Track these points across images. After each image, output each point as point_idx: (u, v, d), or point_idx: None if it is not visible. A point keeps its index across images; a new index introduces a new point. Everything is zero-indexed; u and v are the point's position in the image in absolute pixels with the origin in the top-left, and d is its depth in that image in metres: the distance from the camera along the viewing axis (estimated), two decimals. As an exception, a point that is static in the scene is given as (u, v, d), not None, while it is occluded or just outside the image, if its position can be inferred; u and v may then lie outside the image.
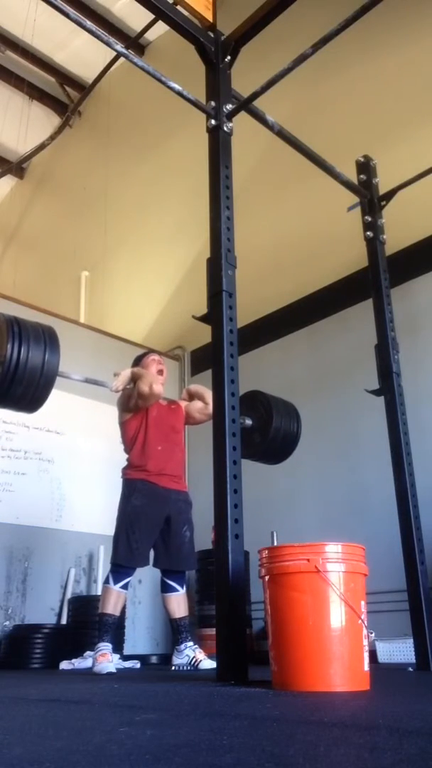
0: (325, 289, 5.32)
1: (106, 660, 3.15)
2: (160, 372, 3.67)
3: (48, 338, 2.68)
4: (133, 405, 3.46)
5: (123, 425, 3.59)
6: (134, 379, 3.42)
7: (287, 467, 3.85)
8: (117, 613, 3.31)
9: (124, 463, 3.55)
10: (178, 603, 3.45)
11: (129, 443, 3.55)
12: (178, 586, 3.45)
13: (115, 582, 3.27)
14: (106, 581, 3.32)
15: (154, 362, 3.70)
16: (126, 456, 3.57)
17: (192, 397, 3.75)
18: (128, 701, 1.76)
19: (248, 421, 3.42)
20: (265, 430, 3.42)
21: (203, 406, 3.65)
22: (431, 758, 0.83)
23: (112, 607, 3.27)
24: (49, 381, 2.66)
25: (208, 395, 3.52)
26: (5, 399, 2.66)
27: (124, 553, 3.28)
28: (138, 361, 3.76)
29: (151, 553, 3.46)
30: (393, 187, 3.62)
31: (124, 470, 3.53)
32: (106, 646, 3.22)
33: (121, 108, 8.06)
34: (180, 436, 3.67)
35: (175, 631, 3.51)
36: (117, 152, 8.02)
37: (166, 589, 3.47)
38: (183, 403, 3.76)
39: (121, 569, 3.30)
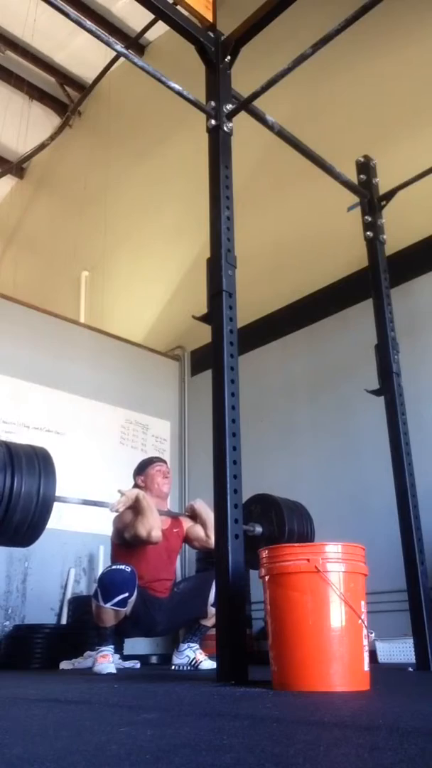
0: (325, 289, 5.32)
1: (106, 661, 3.14)
2: (166, 484, 3.51)
3: (42, 464, 2.49)
4: (129, 537, 3.22)
5: (114, 546, 3.41)
6: (137, 509, 3.18)
7: (287, 467, 3.85)
8: (113, 623, 3.13)
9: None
10: (213, 614, 3.25)
11: (118, 561, 3.31)
12: None
13: (105, 601, 3.04)
14: (95, 596, 3.11)
15: (159, 473, 3.52)
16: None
17: (195, 517, 3.50)
18: (128, 701, 1.76)
19: (258, 528, 3.18)
20: (277, 538, 3.14)
21: (204, 539, 3.43)
22: (431, 758, 0.83)
23: (104, 621, 3.11)
24: (45, 512, 2.46)
25: (210, 523, 3.23)
26: (1, 533, 2.43)
27: (115, 586, 3.04)
28: (141, 470, 3.58)
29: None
30: (393, 187, 3.62)
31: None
32: (107, 648, 3.20)
33: (121, 108, 8.06)
34: (175, 559, 3.50)
35: (187, 630, 3.45)
36: (117, 152, 8.02)
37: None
38: (185, 524, 3.52)
39: (108, 596, 3.05)
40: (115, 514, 3.26)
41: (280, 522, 3.17)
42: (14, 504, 2.35)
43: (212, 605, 3.21)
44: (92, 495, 5.35)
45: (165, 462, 3.66)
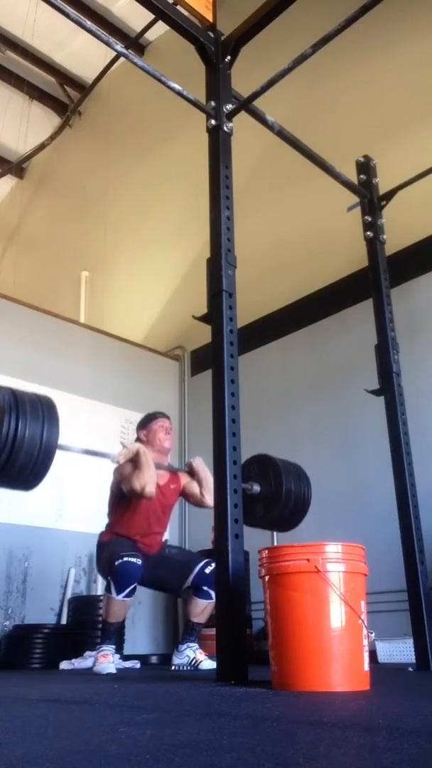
0: (325, 289, 5.32)
1: (107, 660, 3.15)
2: (168, 439, 3.58)
3: (46, 411, 2.53)
4: (126, 491, 3.31)
5: (112, 494, 3.50)
6: (135, 463, 3.26)
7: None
8: (120, 620, 3.26)
9: (104, 528, 3.49)
10: (205, 610, 3.37)
11: (113, 512, 3.48)
12: (212, 593, 3.26)
13: (118, 592, 3.16)
14: (108, 590, 3.23)
15: (161, 429, 3.59)
16: (107, 520, 3.51)
17: (193, 474, 3.58)
18: (128, 701, 1.76)
19: (256, 487, 3.23)
20: (275, 497, 3.21)
21: (199, 497, 3.53)
22: (431, 758, 0.83)
23: (114, 616, 3.21)
24: (48, 458, 2.51)
25: (208, 482, 3.42)
26: (3, 475, 2.51)
27: (119, 554, 3.18)
28: (144, 425, 3.64)
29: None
30: (393, 187, 3.62)
31: (101, 534, 3.47)
32: (108, 648, 3.21)
33: (121, 108, 8.06)
34: (169, 514, 3.59)
35: (184, 630, 3.48)
36: (117, 152, 8.02)
37: (198, 593, 3.37)
38: (183, 479, 3.60)
39: (119, 576, 3.17)
40: (115, 465, 3.34)
41: (278, 482, 3.22)
42: (18, 447, 2.40)
43: (198, 596, 3.35)
44: (93, 495, 5.36)
45: (168, 418, 3.71)
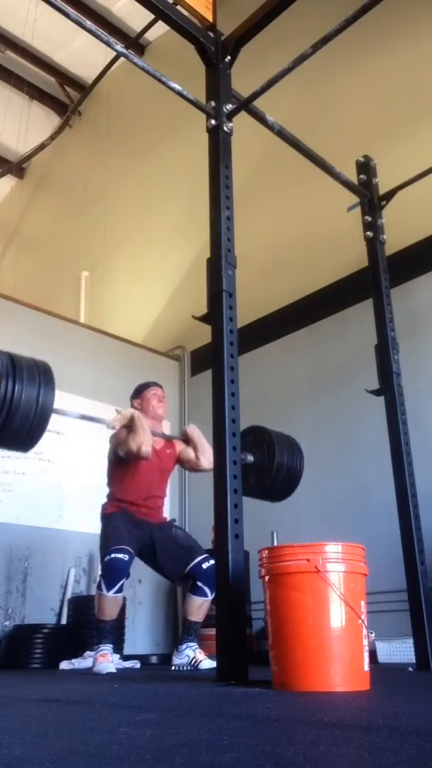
0: (325, 289, 5.32)
1: (106, 660, 3.15)
2: (161, 407, 3.65)
3: (42, 375, 2.61)
4: (123, 454, 3.39)
5: (110, 463, 3.56)
6: (130, 426, 3.32)
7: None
8: (114, 617, 3.29)
9: (105, 499, 3.54)
10: (201, 608, 3.38)
11: (113, 479, 3.54)
12: (208, 591, 3.32)
13: (108, 588, 3.20)
14: (99, 587, 3.27)
15: (154, 397, 3.66)
16: (107, 491, 3.56)
17: (188, 441, 3.64)
18: (128, 701, 1.76)
19: (250, 458, 3.31)
20: (267, 468, 3.31)
21: (194, 461, 3.59)
22: (431, 758, 0.83)
23: (107, 613, 3.24)
24: (43, 420, 2.60)
25: (202, 450, 3.53)
26: (1, 436, 2.59)
27: (107, 547, 3.24)
28: (138, 393, 3.71)
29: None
30: (393, 187, 3.62)
31: (103, 506, 3.52)
32: (106, 647, 3.21)
33: (121, 108, 8.06)
34: (167, 479, 3.66)
35: (182, 630, 3.48)
36: (117, 152, 8.02)
37: (195, 590, 3.38)
38: (179, 446, 3.67)
39: (110, 572, 3.21)
40: (112, 432, 3.41)
41: (271, 453, 3.32)
42: (15, 409, 2.48)
43: (194, 593, 3.36)
44: (93, 495, 5.36)
45: (161, 386, 3.81)
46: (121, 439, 3.39)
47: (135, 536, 3.37)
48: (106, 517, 3.45)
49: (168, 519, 3.67)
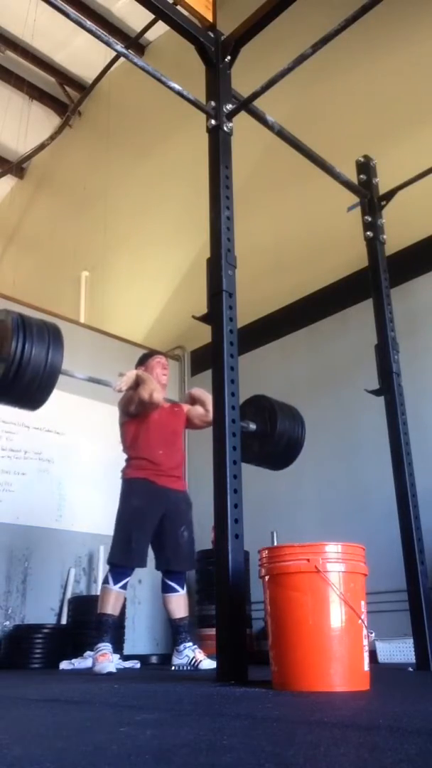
0: (325, 289, 5.32)
1: (106, 660, 3.15)
2: (165, 375, 3.69)
3: (52, 336, 2.68)
4: (134, 409, 3.47)
5: (123, 426, 3.61)
6: (137, 382, 3.41)
7: (287, 467, 3.84)
8: (116, 613, 3.32)
9: (124, 464, 3.57)
10: (178, 603, 3.45)
11: (128, 444, 3.56)
12: (177, 587, 3.45)
13: (115, 582, 3.28)
14: (105, 581, 3.33)
15: (158, 365, 3.70)
16: (125, 457, 3.58)
17: (194, 401, 3.74)
18: (128, 701, 1.76)
19: (252, 426, 3.39)
20: (269, 435, 3.39)
21: (203, 413, 3.65)
22: (431, 758, 0.83)
23: (111, 607, 3.28)
24: (51, 379, 2.66)
25: (209, 402, 3.51)
26: (7, 396, 2.69)
27: (122, 554, 3.30)
28: (142, 362, 3.76)
29: (151, 554, 3.47)
30: (393, 187, 3.62)
31: (123, 469, 3.54)
32: (106, 646, 3.22)
33: (121, 108, 8.06)
34: (180, 439, 3.70)
35: (174, 632, 3.51)
36: (117, 152, 8.02)
37: (166, 589, 3.48)
38: (185, 407, 3.75)
39: (119, 569, 3.30)
40: (119, 393, 3.48)
41: (273, 421, 3.39)
42: (24, 367, 2.56)
43: (167, 592, 3.43)
44: (93, 495, 5.37)
45: (165, 356, 3.93)
46: (129, 397, 3.46)
47: (153, 517, 3.38)
48: (128, 484, 3.45)
49: (186, 491, 3.64)
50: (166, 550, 3.43)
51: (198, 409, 3.70)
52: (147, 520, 3.37)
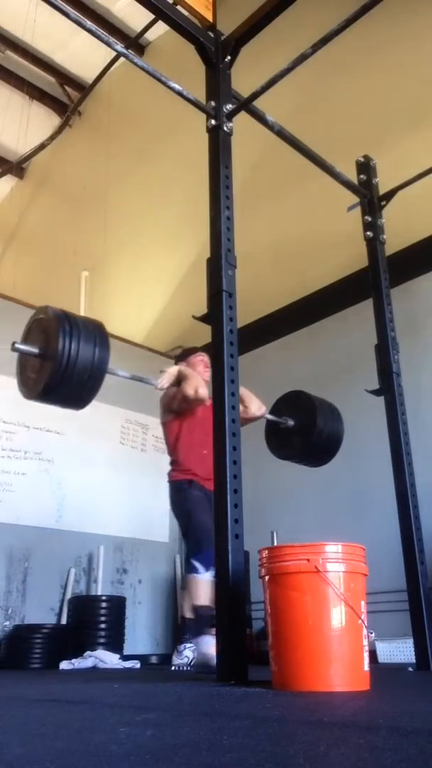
0: (325, 289, 5.32)
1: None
2: (207, 372, 3.52)
3: (98, 334, 2.61)
4: (177, 406, 3.39)
5: (165, 425, 3.53)
6: (180, 379, 3.31)
7: (287, 467, 3.84)
8: (212, 603, 2.84)
9: (169, 467, 3.49)
10: (202, 588, 3.17)
11: (172, 445, 3.49)
12: (199, 566, 3.15)
13: (206, 568, 3.03)
14: (192, 570, 3.12)
15: (201, 362, 3.58)
16: (170, 458, 3.52)
17: None
18: (128, 701, 1.76)
19: (290, 422, 3.35)
20: (309, 431, 3.35)
21: (242, 410, 3.44)
22: (431, 758, 0.83)
23: (206, 597, 3.04)
24: (99, 378, 2.60)
25: (248, 398, 3.43)
26: (55, 396, 2.64)
27: (205, 536, 3.00)
28: (183, 358, 3.68)
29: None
30: (393, 187, 3.62)
31: (170, 472, 3.47)
32: (211, 637, 2.89)
33: (121, 108, 8.06)
34: None
35: (182, 631, 3.41)
36: (117, 152, 8.02)
37: (187, 568, 3.29)
38: None
39: (206, 552, 2.98)
40: (161, 391, 3.38)
41: (312, 417, 3.35)
42: (72, 367, 2.48)
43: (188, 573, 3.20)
44: (93, 495, 5.37)
45: (206, 353, 3.68)
46: (172, 394, 3.37)
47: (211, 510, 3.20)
48: (179, 485, 3.36)
49: None
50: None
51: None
52: (208, 507, 3.14)
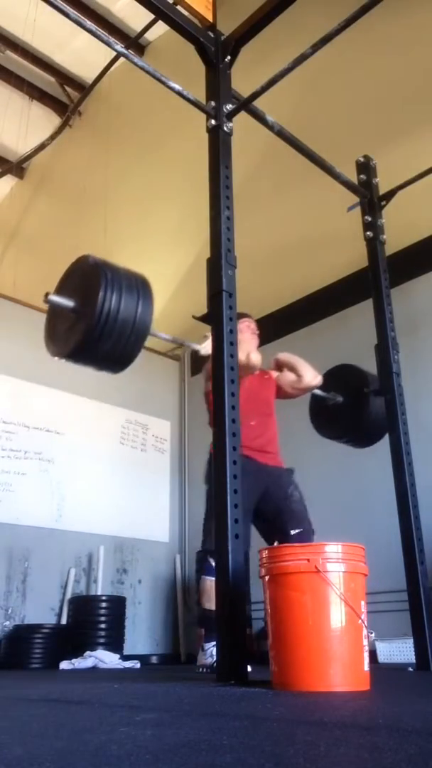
0: (325, 289, 5.32)
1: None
2: (255, 341, 3.32)
3: (142, 287, 2.35)
4: None
5: (209, 395, 3.18)
6: None
7: (287, 466, 3.84)
8: None
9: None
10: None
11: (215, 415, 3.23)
12: None
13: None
14: (204, 572, 2.97)
15: (247, 328, 3.32)
16: (213, 430, 3.25)
17: (281, 367, 3.36)
18: (128, 701, 1.76)
19: (339, 398, 3.11)
20: (360, 407, 3.11)
21: (295, 380, 3.30)
22: (431, 758, 0.83)
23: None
24: (140, 337, 2.33)
25: (302, 366, 3.27)
26: (91, 355, 2.37)
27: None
28: None
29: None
30: (393, 187, 3.62)
31: (212, 445, 3.19)
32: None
33: (121, 108, 8.06)
34: (273, 410, 3.34)
35: (207, 628, 3.17)
36: (117, 152, 8.02)
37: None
38: (274, 374, 3.38)
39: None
40: (206, 354, 3.02)
41: (363, 393, 3.10)
42: (111, 324, 2.23)
43: (206, 576, 2.96)
44: (93, 495, 5.37)
45: (254, 320, 3.47)
46: None
47: (253, 495, 2.95)
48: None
49: (286, 467, 3.26)
50: (283, 514, 3.04)
51: (288, 376, 3.32)
52: (247, 499, 2.85)
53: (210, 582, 2.88)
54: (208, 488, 2.98)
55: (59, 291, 2.51)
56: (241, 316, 3.25)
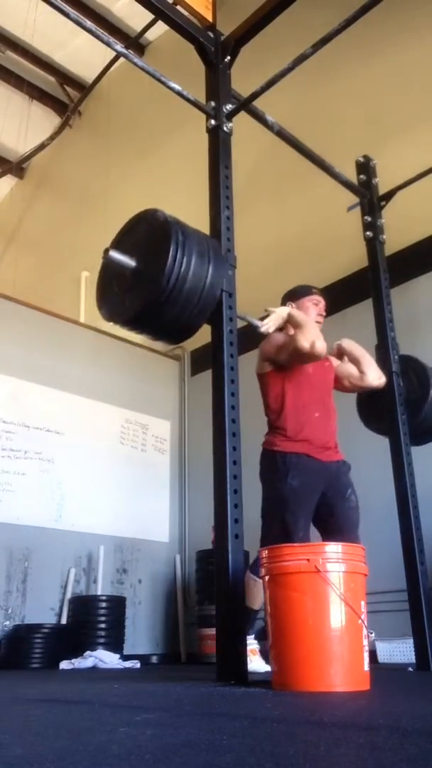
0: (325, 289, 5.29)
1: (258, 657, 2.82)
2: (320, 321, 2.97)
3: (213, 253, 2.14)
4: (284, 359, 2.80)
5: (264, 377, 2.92)
6: (292, 325, 2.76)
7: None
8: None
9: (267, 429, 2.90)
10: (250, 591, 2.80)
11: (275, 404, 2.85)
12: None
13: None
14: (255, 572, 2.68)
15: (314, 306, 2.99)
16: (270, 421, 2.89)
17: (342, 355, 3.08)
18: (128, 701, 1.76)
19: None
20: (419, 403, 2.95)
21: (357, 376, 3.02)
22: (431, 758, 0.83)
23: (258, 601, 2.67)
24: (208, 305, 2.13)
25: (366, 362, 3.01)
26: (153, 323, 2.16)
27: (289, 538, 2.57)
28: (294, 297, 3.03)
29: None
30: (393, 187, 3.62)
31: (271, 438, 2.83)
32: (253, 641, 2.81)
33: (121, 108, 8.06)
34: (331, 399, 3.01)
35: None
36: (117, 152, 8.02)
37: None
38: (335, 362, 3.07)
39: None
40: (265, 333, 2.78)
41: (426, 388, 2.95)
42: (180, 287, 2.03)
43: (253, 571, 2.73)
44: (93, 495, 5.37)
45: (323, 296, 3.10)
46: (278, 344, 2.81)
47: (314, 495, 2.75)
48: (280, 460, 2.74)
49: (343, 459, 2.94)
50: (338, 518, 2.79)
51: (349, 368, 3.04)
52: (307, 500, 2.73)
53: (252, 581, 2.68)
54: (275, 499, 2.73)
55: (117, 246, 2.28)
56: (306, 290, 3.08)
